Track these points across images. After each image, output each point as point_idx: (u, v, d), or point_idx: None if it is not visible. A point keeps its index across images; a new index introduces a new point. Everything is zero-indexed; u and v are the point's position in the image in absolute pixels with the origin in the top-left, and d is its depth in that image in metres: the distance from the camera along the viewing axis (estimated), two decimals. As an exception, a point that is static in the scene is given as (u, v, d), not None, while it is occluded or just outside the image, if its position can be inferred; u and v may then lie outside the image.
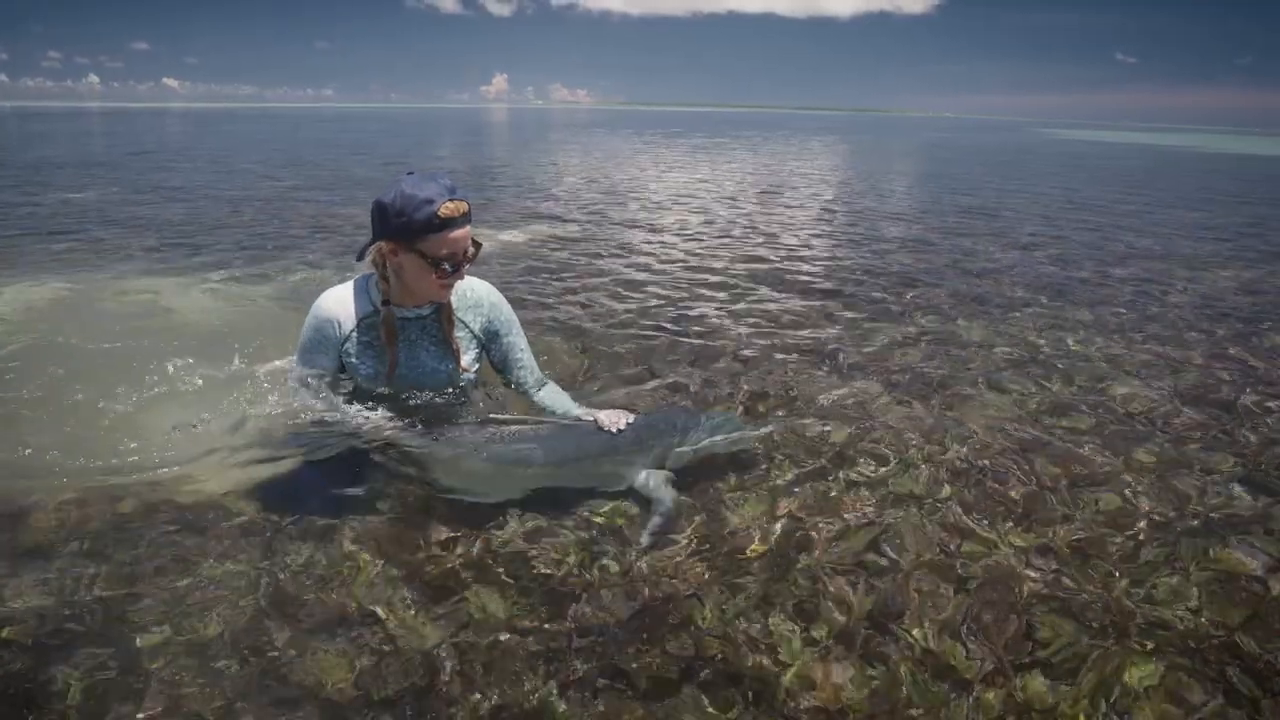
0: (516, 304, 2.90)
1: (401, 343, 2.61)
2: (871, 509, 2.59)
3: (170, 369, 3.29)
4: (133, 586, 2.07)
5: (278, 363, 2.93)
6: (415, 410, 2.66)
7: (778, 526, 2.46)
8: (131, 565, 2.15)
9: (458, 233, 2.34)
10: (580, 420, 2.73)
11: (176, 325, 4.17)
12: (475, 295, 2.72)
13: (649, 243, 7.51)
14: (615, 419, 2.67)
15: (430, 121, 58.14)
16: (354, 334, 2.58)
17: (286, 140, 27.16)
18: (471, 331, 2.73)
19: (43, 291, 4.83)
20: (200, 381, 3.11)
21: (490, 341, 2.79)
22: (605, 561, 2.26)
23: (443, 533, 2.35)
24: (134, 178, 12.48)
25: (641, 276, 5.98)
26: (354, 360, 2.61)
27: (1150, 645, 1.98)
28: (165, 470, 2.56)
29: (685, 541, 2.36)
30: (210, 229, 7.58)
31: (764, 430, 3.05)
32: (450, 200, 2.29)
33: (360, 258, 2.56)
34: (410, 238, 2.32)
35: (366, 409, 2.58)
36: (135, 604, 2.01)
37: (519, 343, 2.82)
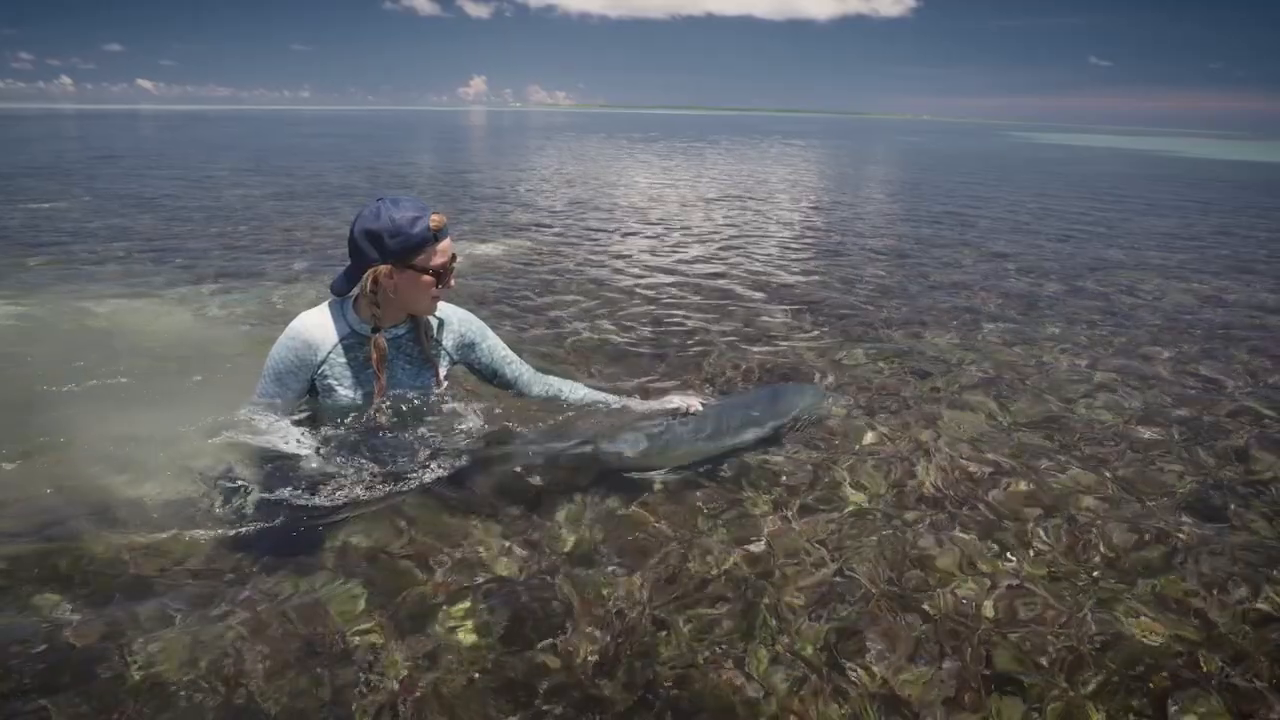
0: (496, 316, 2.95)
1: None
2: (837, 534, 2.62)
3: (140, 393, 3.29)
4: (105, 620, 2.06)
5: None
6: (393, 431, 2.73)
7: (745, 555, 2.49)
8: (103, 598, 2.14)
9: (447, 241, 2.54)
10: (655, 408, 3.07)
11: (148, 346, 4.14)
12: (443, 313, 2.84)
13: (626, 255, 7.54)
14: (689, 402, 3.03)
15: (408, 124, 57.90)
16: (333, 357, 2.63)
17: (262, 144, 26.99)
18: (445, 349, 2.85)
19: (11, 309, 4.79)
20: (170, 406, 3.10)
21: (469, 353, 2.92)
22: (578, 591, 2.27)
23: (418, 560, 2.36)
24: (106, 186, 12.35)
25: (618, 289, 6.00)
26: (331, 383, 2.65)
27: (1106, 671, 2.03)
28: (135, 498, 2.54)
29: (655, 570, 2.39)
30: (183, 241, 7.53)
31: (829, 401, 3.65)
32: (433, 213, 2.48)
33: (344, 290, 2.60)
34: (408, 255, 2.47)
35: (330, 438, 2.64)
36: (108, 637, 2.00)
37: (498, 343, 2.98)
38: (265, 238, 7.85)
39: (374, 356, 2.63)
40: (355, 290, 2.59)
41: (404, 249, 2.45)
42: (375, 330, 2.62)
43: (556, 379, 3.15)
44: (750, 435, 3.16)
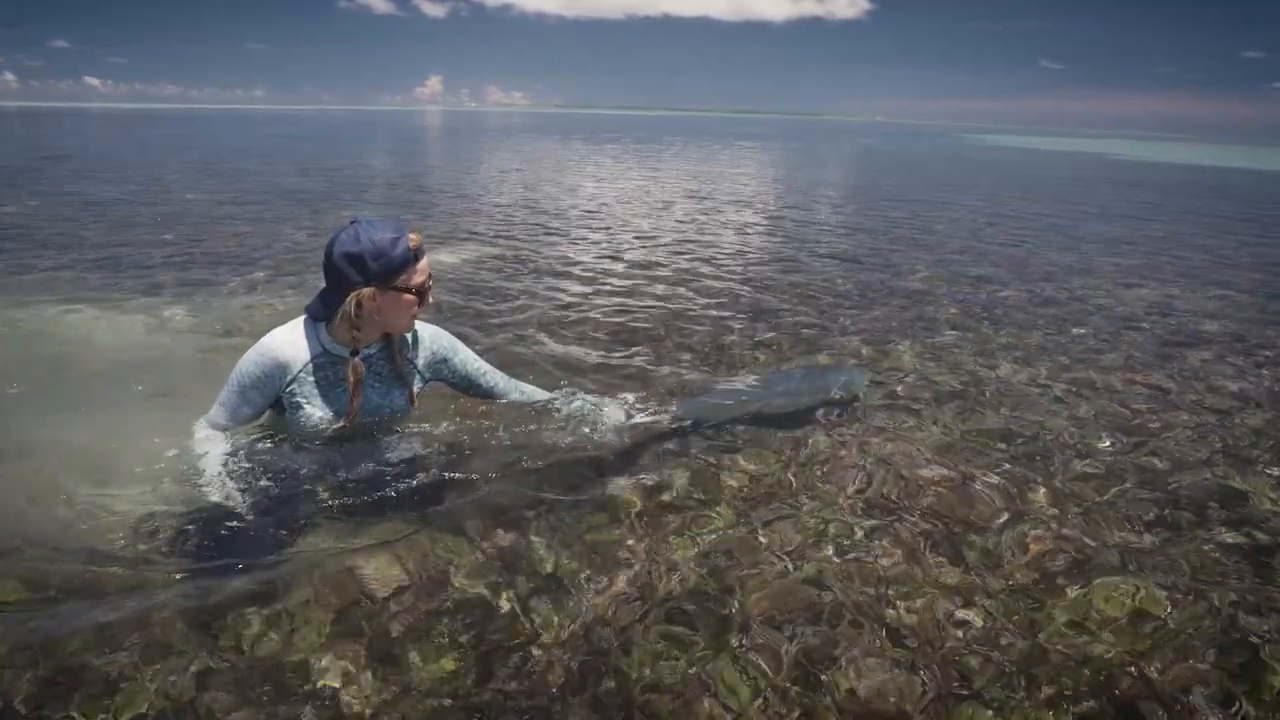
0: (462, 328, 2.95)
1: (348, 383, 2.66)
2: (802, 549, 2.63)
3: (89, 407, 3.22)
4: (57, 659, 1.99)
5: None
6: (361, 452, 2.73)
7: (712, 571, 2.49)
8: (55, 635, 2.06)
9: (425, 259, 2.56)
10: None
11: (99, 358, 4.05)
12: (414, 330, 2.83)
13: (585, 262, 7.51)
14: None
15: (364, 125, 57.32)
16: (303, 375, 2.62)
17: (215, 146, 26.54)
18: (416, 367, 2.86)
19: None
20: (121, 421, 3.04)
21: (442, 369, 2.95)
22: (547, 611, 2.26)
23: (385, 584, 2.33)
24: (54, 189, 12.07)
25: (578, 296, 5.99)
26: (300, 401, 2.63)
27: (1069, 683, 2.06)
28: (82, 526, 2.47)
29: (624, 589, 2.38)
30: (136, 248, 7.36)
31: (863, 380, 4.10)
32: (410, 232, 2.51)
33: (324, 316, 2.58)
34: (390, 277, 2.48)
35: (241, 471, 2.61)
36: (60, 678, 1.94)
37: (470, 355, 3.02)
38: (221, 244, 7.70)
39: (351, 380, 2.62)
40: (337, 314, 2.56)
41: (386, 270, 2.46)
42: (354, 353, 2.62)
43: (530, 386, 3.23)
44: (790, 405, 3.72)
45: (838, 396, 3.86)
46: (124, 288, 5.76)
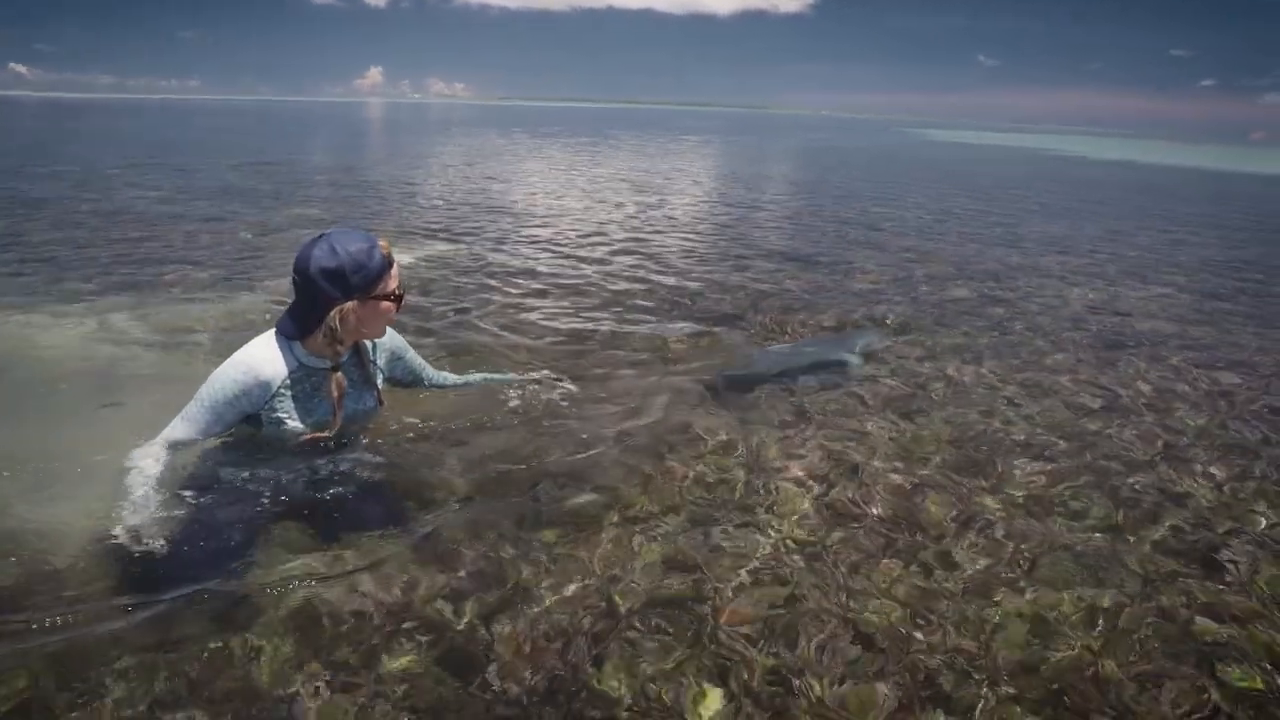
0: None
1: (325, 394, 2.67)
2: (767, 558, 2.66)
3: (35, 422, 3.13)
4: (17, 686, 1.93)
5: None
6: (329, 461, 2.74)
7: (681, 582, 2.50)
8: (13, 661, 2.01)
9: (395, 264, 2.60)
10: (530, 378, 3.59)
11: (42, 365, 3.90)
12: None
13: (535, 258, 7.47)
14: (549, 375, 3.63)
15: (304, 116, 56.28)
16: (282, 391, 2.60)
17: (153, 138, 25.86)
18: (378, 366, 2.91)
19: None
20: (70, 436, 2.95)
21: (397, 366, 3.05)
22: (517, 626, 2.25)
23: (351, 603, 2.30)
24: (-15, 185, 11.66)
25: (526, 296, 5.95)
26: (280, 416, 2.62)
27: (1027, 684, 2.12)
28: (33, 544, 2.39)
29: (594, 601, 2.38)
30: (77, 249, 7.11)
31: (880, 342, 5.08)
32: (379, 239, 2.54)
33: (299, 334, 2.57)
34: (371, 287, 2.50)
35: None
36: (23, 704, 1.88)
37: (414, 353, 3.14)
38: (166, 243, 7.50)
39: (335, 395, 2.64)
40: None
41: (367, 282, 2.48)
42: (335, 368, 2.63)
43: (449, 372, 3.42)
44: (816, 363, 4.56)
45: (856, 352, 4.77)
46: (65, 291, 5.56)
